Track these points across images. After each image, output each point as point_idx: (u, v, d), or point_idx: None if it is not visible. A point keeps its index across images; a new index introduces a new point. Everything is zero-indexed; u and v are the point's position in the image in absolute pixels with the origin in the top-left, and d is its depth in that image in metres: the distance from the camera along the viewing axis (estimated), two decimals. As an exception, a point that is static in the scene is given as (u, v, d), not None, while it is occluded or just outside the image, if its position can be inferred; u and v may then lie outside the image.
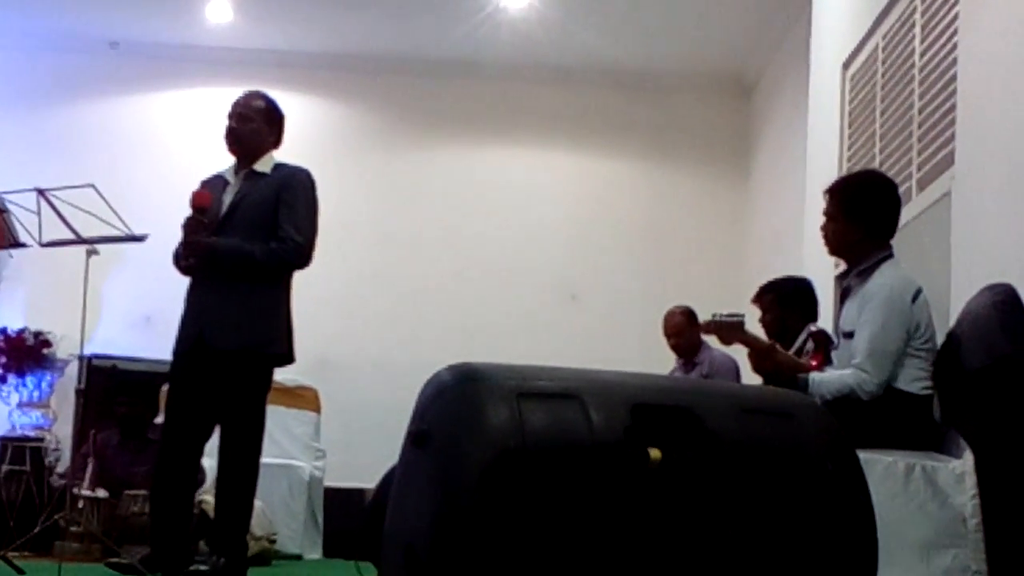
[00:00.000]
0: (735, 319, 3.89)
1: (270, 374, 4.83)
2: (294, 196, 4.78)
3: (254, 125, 4.87)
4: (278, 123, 4.96)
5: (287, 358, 4.82)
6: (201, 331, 4.71)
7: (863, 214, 3.98)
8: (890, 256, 3.97)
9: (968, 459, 3.61)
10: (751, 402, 2.31)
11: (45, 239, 4.71)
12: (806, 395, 3.67)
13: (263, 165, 4.87)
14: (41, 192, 4.64)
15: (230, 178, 4.91)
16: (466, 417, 2.11)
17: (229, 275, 4.69)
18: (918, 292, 3.82)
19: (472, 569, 2.03)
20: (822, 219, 4.11)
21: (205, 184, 4.93)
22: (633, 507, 2.11)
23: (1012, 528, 3.51)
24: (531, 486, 2.05)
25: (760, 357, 3.90)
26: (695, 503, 2.15)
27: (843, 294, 4.11)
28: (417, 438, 2.18)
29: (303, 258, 4.78)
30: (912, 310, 3.78)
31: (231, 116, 4.89)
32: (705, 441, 2.19)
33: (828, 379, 3.79)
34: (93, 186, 4.58)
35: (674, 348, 6.84)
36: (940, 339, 3.87)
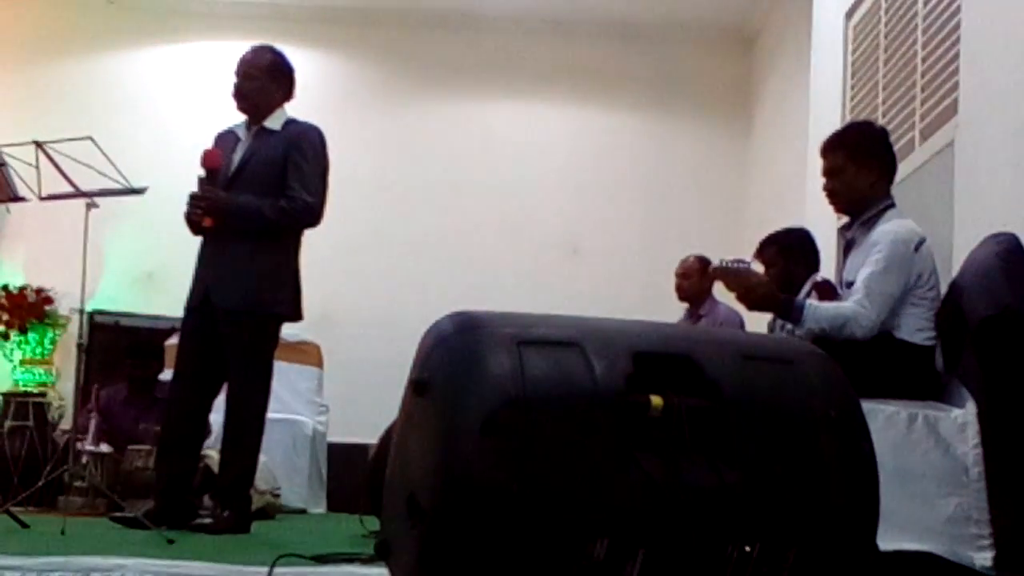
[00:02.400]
0: (742, 266, 3.88)
1: (276, 332, 4.84)
2: (303, 155, 4.75)
3: (258, 83, 4.84)
4: (286, 77, 4.91)
5: (292, 316, 4.82)
6: (207, 289, 4.72)
7: (872, 154, 3.97)
8: (893, 205, 3.96)
9: (970, 409, 3.61)
10: (752, 349, 2.30)
11: (44, 193, 4.68)
12: (801, 323, 3.68)
13: (273, 122, 4.84)
14: (39, 145, 4.61)
15: (242, 134, 4.89)
16: (467, 365, 2.10)
17: (238, 232, 4.68)
18: (921, 241, 3.81)
19: (473, 518, 2.03)
20: (823, 181, 4.08)
21: (218, 139, 4.91)
22: (634, 455, 2.11)
23: (1014, 477, 3.52)
24: (532, 434, 2.05)
25: (751, 286, 3.85)
26: (697, 451, 2.14)
27: (847, 246, 4.09)
28: (418, 387, 2.17)
29: (313, 217, 4.77)
30: (914, 259, 3.76)
31: (237, 75, 4.87)
32: (706, 388, 2.18)
33: (824, 307, 3.77)
34: (91, 138, 4.54)
35: (678, 288, 6.82)
36: (943, 288, 3.86)
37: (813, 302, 3.83)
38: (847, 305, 3.74)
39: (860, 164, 3.94)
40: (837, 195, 4.02)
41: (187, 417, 4.74)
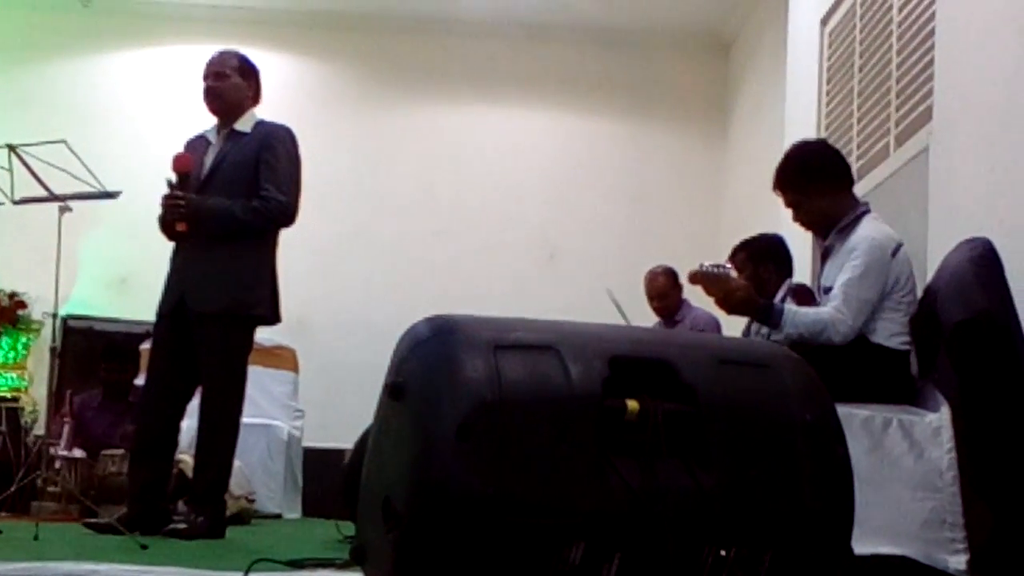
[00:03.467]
0: (722, 271, 3.89)
1: (251, 336, 4.82)
2: (274, 154, 4.75)
3: (231, 81, 4.85)
4: (253, 77, 4.93)
5: (269, 319, 4.81)
6: (183, 293, 4.70)
7: (816, 178, 3.99)
8: (868, 211, 3.97)
9: (944, 413, 3.63)
10: (728, 353, 2.30)
11: (17, 196, 4.66)
12: (780, 328, 3.69)
13: (244, 124, 4.85)
14: (12, 148, 4.59)
15: (212, 138, 4.89)
16: (442, 369, 2.09)
17: (212, 235, 4.67)
18: (898, 247, 3.82)
19: (449, 522, 2.03)
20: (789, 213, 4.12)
21: (188, 145, 4.90)
22: (611, 459, 2.11)
23: (987, 481, 3.54)
24: (508, 438, 2.04)
25: (729, 291, 3.87)
26: (673, 455, 2.15)
27: (824, 253, 4.10)
28: (393, 391, 2.17)
29: (286, 216, 4.76)
30: (891, 264, 3.77)
31: (207, 76, 4.87)
32: (682, 393, 2.18)
33: (803, 312, 3.78)
34: (65, 142, 4.53)
35: (657, 311, 6.82)
36: (917, 294, 3.88)
37: (792, 307, 3.85)
38: (825, 311, 3.75)
39: (810, 192, 3.98)
40: (809, 224, 4.09)
41: (160, 422, 4.72)
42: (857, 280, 3.73)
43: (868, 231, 3.84)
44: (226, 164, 4.77)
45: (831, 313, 3.72)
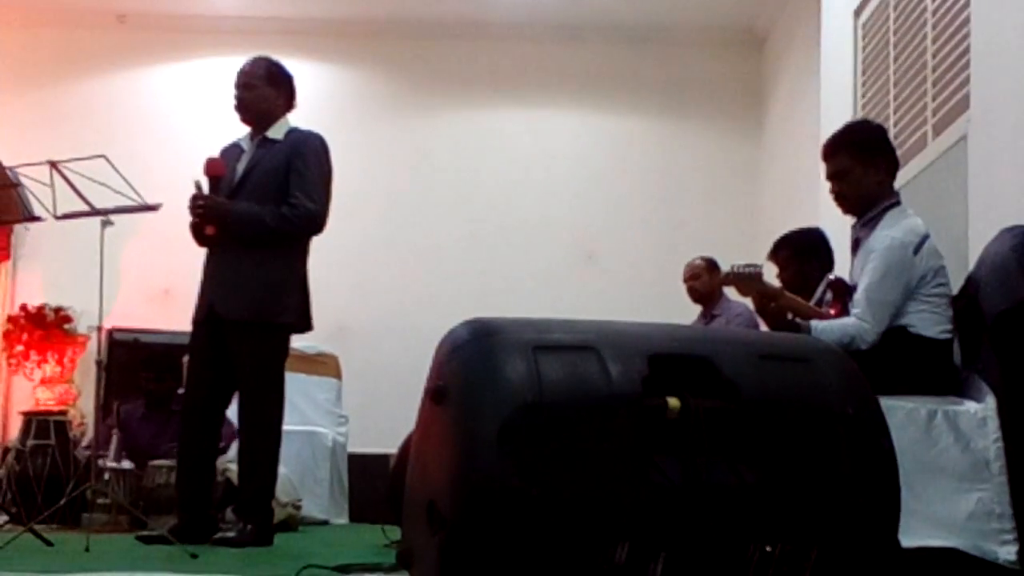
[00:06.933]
0: (753, 270, 3.87)
1: (284, 342, 4.82)
2: (305, 162, 4.76)
3: (258, 91, 4.86)
4: (284, 84, 4.93)
5: (300, 326, 4.82)
6: (213, 301, 4.73)
7: (878, 152, 3.94)
8: (896, 203, 3.91)
9: (990, 403, 3.60)
10: (768, 349, 2.29)
11: (59, 212, 4.71)
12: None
13: (276, 131, 4.86)
14: (53, 164, 4.64)
15: (245, 145, 4.91)
16: (483, 372, 2.10)
17: (242, 241, 4.69)
18: (922, 242, 3.75)
19: (493, 524, 2.03)
20: (829, 185, 4.05)
21: (223, 152, 4.93)
22: (653, 457, 2.11)
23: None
24: (550, 439, 2.05)
25: (766, 298, 3.87)
26: (715, 452, 2.14)
27: (853, 246, 4.07)
28: (435, 394, 2.18)
29: (315, 224, 4.77)
30: (913, 261, 3.71)
31: (236, 86, 4.89)
32: (723, 389, 2.18)
33: (829, 327, 3.75)
34: (104, 156, 4.57)
35: (690, 292, 6.88)
36: (958, 283, 3.84)
37: (817, 323, 3.79)
38: (850, 322, 3.72)
39: (867, 163, 3.90)
40: (845, 197, 3.96)
41: (201, 431, 4.74)
42: (877, 284, 3.70)
43: (890, 229, 3.78)
44: (257, 171, 4.79)
45: (855, 324, 3.70)
